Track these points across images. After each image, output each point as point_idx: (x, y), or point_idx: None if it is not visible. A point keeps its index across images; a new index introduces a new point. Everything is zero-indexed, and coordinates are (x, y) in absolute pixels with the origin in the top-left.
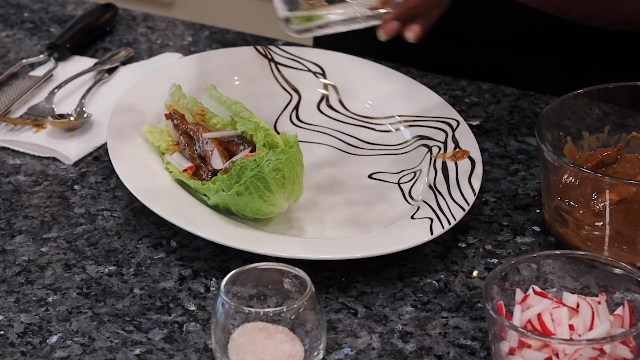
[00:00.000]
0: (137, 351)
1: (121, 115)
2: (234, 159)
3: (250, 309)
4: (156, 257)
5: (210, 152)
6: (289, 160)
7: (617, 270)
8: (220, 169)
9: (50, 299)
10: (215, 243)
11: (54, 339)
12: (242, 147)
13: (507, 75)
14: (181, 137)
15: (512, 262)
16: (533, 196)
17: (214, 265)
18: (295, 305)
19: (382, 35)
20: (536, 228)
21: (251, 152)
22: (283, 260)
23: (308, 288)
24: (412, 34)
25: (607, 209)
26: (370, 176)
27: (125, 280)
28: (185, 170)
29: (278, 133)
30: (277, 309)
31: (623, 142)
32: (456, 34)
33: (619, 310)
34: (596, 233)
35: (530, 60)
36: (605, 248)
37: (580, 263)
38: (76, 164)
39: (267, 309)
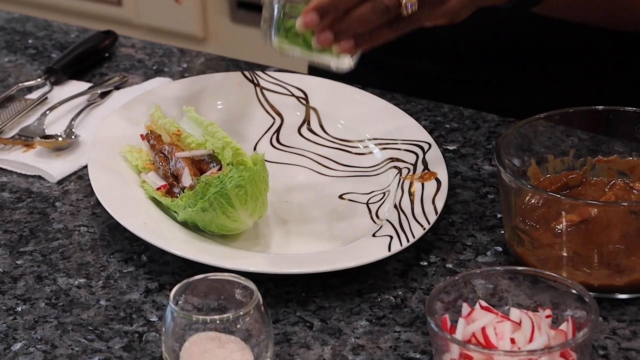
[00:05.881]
0: (96, 359)
1: (105, 135)
2: (200, 176)
3: (198, 317)
4: (125, 271)
5: (182, 171)
6: (251, 178)
7: (563, 288)
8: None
9: (19, 309)
10: (183, 258)
11: (18, 346)
12: (212, 166)
13: (489, 96)
14: (156, 157)
15: (459, 277)
16: (500, 218)
17: (180, 279)
18: (241, 313)
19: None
20: (498, 248)
21: (219, 170)
22: (246, 274)
23: (254, 297)
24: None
25: (565, 230)
26: (340, 196)
27: (93, 292)
28: (159, 189)
29: None
30: (224, 316)
31: (588, 166)
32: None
33: (563, 326)
34: (552, 253)
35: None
36: (562, 268)
37: (525, 280)
38: (60, 182)
39: (213, 316)
